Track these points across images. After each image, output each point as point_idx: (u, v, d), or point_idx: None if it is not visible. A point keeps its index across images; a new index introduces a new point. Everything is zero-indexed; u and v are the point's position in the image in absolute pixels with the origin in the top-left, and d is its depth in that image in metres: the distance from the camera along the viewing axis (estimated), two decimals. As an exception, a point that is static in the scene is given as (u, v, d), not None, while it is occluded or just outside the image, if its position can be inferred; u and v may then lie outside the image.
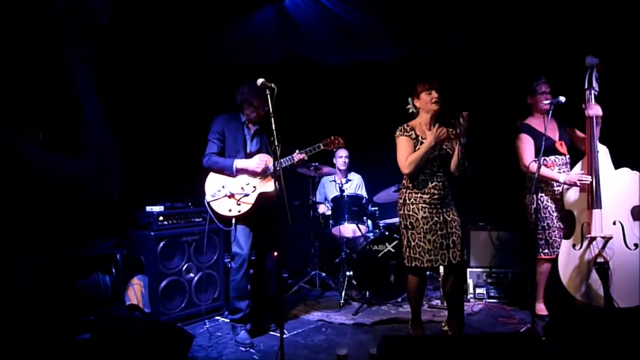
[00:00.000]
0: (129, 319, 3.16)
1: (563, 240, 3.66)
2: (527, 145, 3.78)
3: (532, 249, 3.81)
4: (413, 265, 3.33)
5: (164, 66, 4.49)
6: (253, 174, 3.64)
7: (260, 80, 2.97)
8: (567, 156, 3.81)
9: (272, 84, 2.96)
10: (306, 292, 5.08)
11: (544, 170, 3.69)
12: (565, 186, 3.64)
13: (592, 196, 3.50)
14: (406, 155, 3.29)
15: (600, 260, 3.42)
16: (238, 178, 3.64)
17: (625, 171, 3.54)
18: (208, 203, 3.60)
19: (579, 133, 3.83)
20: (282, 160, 3.55)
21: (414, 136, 3.34)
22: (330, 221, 4.83)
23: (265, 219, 3.70)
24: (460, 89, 3.44)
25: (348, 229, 4.80)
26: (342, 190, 4.79)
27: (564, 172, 3.73)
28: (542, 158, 3.73)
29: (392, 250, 4.54)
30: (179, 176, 4.43)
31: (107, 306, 3.44)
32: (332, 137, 3.84)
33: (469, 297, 4.53)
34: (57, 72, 3.14)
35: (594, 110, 3.55)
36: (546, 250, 3.79)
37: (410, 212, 3.34)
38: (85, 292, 3.36)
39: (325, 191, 5.52)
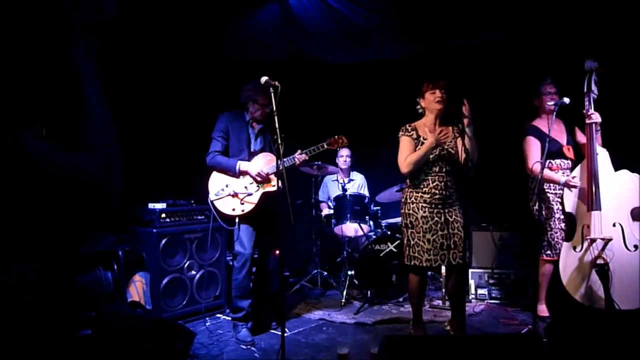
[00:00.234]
0: (131, 315, 3.16)
1: (564, 242, 3.65)
2: (533, 147, 3.78)
3: (534, 250, 3.81)
4: (412, 264, 3.35)
5: (168, 63, 4.50)
6: (254, 179, 3.64)
7: (264, 78, 2.96)
8: (573, 161, 3.82)
9: (276, 82, 2.95)
10: (308, 290, 5.08)
11: (547, 173, 3.70)
12: (566, 188, 3.64)
13: (591, 198, 3.50)
14: (406, 156, 3.31)
15: (600, 262, 3.41)
16: (241, 177, 3.65)
17: (624, 173, 3.54)
18: (211, 202, 3.60)
19: (581, 137, 3.82)
20: (284, 159, 3.55)
21: (415, 136, 3.35)
22: (333, 220, 4.84)
23: (268, 218, 3.70)
24: (466, 89, 3.43)
25: (350, 228, 4.80)
26: (344, 190, 4.79)
27: (566, 176, 3.72)
28: (548, 161, 3.75)
29: (394, 250, 4.53)
30: (182, 173, 4.44)
31: (109, 302, 3.44)
32: (336, 137, 3.83)
33: (470, 297, 4.53)
34: (62, 66, 3.14)
35: (592, 118, 3.56)
36: (549, 252, 3.79)
37: (411, 211, 3.35)
38: (87, 288, 3.37)
39: (328, 190, 5.52)
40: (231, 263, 3.99)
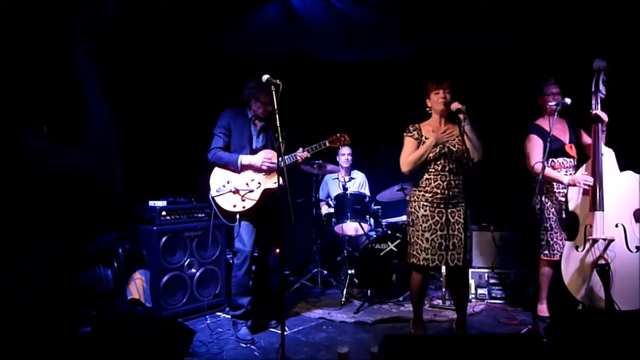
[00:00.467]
0: (131, 313, 3.16)
1: (566, 242, 3.65)
2: (535, 146, 3.77)
3: (534, 250, 3.80)
4: (411, 261, 3.36)
5: (168, 60, 4.50)
6: (258, 170, 3.64)
7: (265, 77, 2.96)
8: (576, 159, 3.81)
9: (277, 80, 2.95)
10: (308, 289, 5.08)
11: (549, 171, 3.70)
12: (570, 188, 3.63)
13: (594, 198, 3.50)
14: (406, 155, 3.33)
15: (601, 262, 3.41)
16: (243, 174, 3.64)
17: (628, 174, 3.53)
18: (213, 198, 3.60)
19: (585, 138, 3.81)
20: (286, 157, 3.54)
21: (416, 136, 3.36)
22: (333, 219, 4.83)
23: (268, 216, 3.70)
24: (467, 88, 3.43)
25: (350, 227, 4.79)
26: (345, 188, 4.78)
27: (570, 174, 3.72)
28: (551, 159, 3.75)
29: (394, 249, 4.53)
30: (183, 171, 4.43)
31: (109, 300, 3.44)
32: (338, 134, 3.82)
33: (470, 297, 4.53)
34: (62, 66, 3.13)
35: (599, 117, 3.54)
36: (546, 252, 3.78)
37: (412, 210, 3.36)
38: (87, 286, 3.36)
39: (329, 189, 5.52)
40: (231, 261, 3.99)
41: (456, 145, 3.30)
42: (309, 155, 3.72)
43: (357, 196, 4.76)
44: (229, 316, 3.89)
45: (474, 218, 4.71)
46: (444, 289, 4.43)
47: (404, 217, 5.06)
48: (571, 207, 3.65)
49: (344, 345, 3.11)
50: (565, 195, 3.68)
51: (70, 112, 3.21)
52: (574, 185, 3.58)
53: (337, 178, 5.38)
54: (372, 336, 3.68)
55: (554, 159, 3.78)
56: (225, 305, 4.23)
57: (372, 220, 4.98)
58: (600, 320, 2.57)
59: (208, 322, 3.93)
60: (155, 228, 3.80)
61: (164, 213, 3.88)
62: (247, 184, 3.63)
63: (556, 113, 3.45)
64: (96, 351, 2.76)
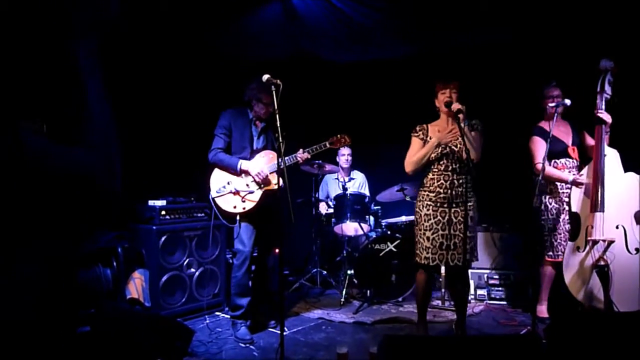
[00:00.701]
0: (130, 312, 3.16)
1: (568, 242, 3.65)
2: (538, 148, 3.78)
3: (535, 251, 3.80)
4: (415, 260, 3.38)
5: (168, 60, 4.49)
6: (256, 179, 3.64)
7: (265, 76, 2.96)
8: (578, 161, 3.81)
9: (278, 80, 2.95)
10: (307, 289, 5.08)
11: (553, 171, 3.71)
12: (573, 188, 3.63)
13: (595, 199, 3.50)
14: (410, 155, 3.37)
15: (601, 263, 3.41)
16: (243, 175, 3.64)
17: (631, 175, 3.53)
18: (213, 199, 3.60)
19: (589, 140, 3.80)
20: (286, 158, 3.54)
21: (421, 136, 3.40)
22: (333, 219, 4.83)
23: (268, 216, 3.70)
24: (469, 88, 3.43)
25: (350, 228, 4.79)
26: (345, 189, 4.78)
27: (574, 175, 3.72)
28: (554, 161, 3.76)
29: (394, 249, 4.53)
30: (182, 171, 4.43)
31: (108, 299, 3.43)
32: (339, 136, 3.81)
33: (470, 298, 4.53)
34: (63, 64, 3.13)
35: (602, 118, 3.53)
36: (550, 253, 3.79)
37: (417, 209, 3.40)
38: (86, 285, 3.36)
39: (328, 189, 5.52)
40: (231, 261, 3.99)
41: (458, 146, 3.30)
42: (309, 157, 3.71)
43: (356, 196, 4.76)
44: (228, 316, 3.89)
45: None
46: (443, 290, 4.43)
47: (403, 218, 5.06)
48: (574, 207, 3.65)
49: (343, 345, 3.11)
50: (569, 196, 3.69)
51: (70, 111, 3.21)
52: (576, 185, 3.59)
53: (337, 178, 5.38)
54: (371, 336, 3.68)
55: (556, 160, 3.79)
56: (224, 305, 4.23)
57: (371, 221, 4.98)
58: (599, 322, 2.57)
59: (207, 321, 3.93)
60: (154, 227, 3.80)
61: (163, 212, 3.87)
62: (247, 185, 3.62)
63: (556, 115, 3.44)
64: (95, 350, 2.75)
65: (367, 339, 3.64)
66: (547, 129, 3.78)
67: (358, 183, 5.44)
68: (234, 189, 3.61)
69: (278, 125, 2.90)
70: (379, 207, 5.18)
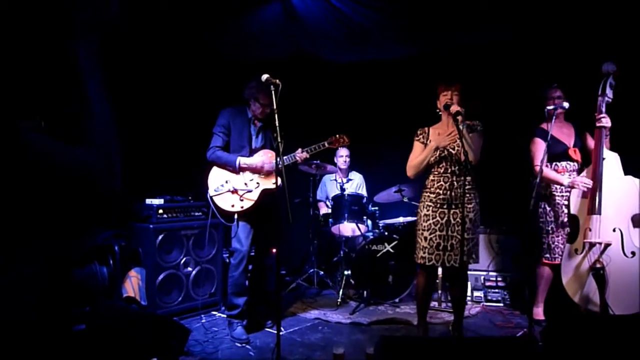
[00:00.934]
0: (126, 311, 3.15)
1: (566, 244, 3.66)
2: (538, 149, 3.78)
3: (532, 253, 3.81)
4: (415, 260, 3.39)
5: (168, 60, 4.49)
6: (256, 171, 3.63)
7: (264, 76, 2.96)
8: (580, 163, 3.81)
9: (277, 80, 2.95)
10: (304, 289, 5.08)
11: (550, 173, 3.72)
12: (572, 191, 3.64)
13: (592, 202, 3.50)
14: (411, 159, 3.41)
15: (597, 266, 3.42)
16: (242, 174, 3.64)
17: (628, 179, 3.53)
18: (211, 197, 3.60)
19: (590, 142, 3.80)
20: (285, 157, 3.54)
21: (422, 140, 3.42)
22: (330, 219, 4.83)
23: (266, 216, 3.70)
24: (469, 89, 3.43)
25: (347, 228, 4.79)
26: (342, 189, 4.78)
27: (573, 178, 3.72)
28: (554, 163, 3.76)
29: (391, 250, 4.53)
30: (180, 170, 4.43)
31: (104, 297, 3.43)
32: (337, 136, 3.82)
33: (467, 299, 4.52)
34: (63, 63, 3.13)
35: (602, 122, 3.53)
36: (547, 255, 3.79)
37: (418, 210, 3.42)
38: (82, 282, 3.35)
39: (326, 189, 5.52)
40: (228, 260, 3.98)
41: (456, 148, 3.31)
42: (308, 156, 3.72)
43: (354, 197, 4.76)
44: (225, 315, 3.89)
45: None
46: (439, 291, 4.43)
47: (401, 219, 5.06)
48: (573, 210, 3.66)
49: (340, 346, 3.10)
50: (568, 198, 3.70)
51: (71, 111, 3.21)
52: (573, 187, 3.60)
53: (335, 179, 5.38)
54: (367, 337, 3.68)
55: (557, 163, 3.79)
56: (220, 305, 4.22)
57: (369, 222, 4.98)
58: (595, 325, 2.57)
59: (203, 321, 3.93)
60: (151, 226, 3.79)
61: (160, 211, 3.87)
62: (245, 184, 3.62)
63: (554, 117, 3.44)
64: (91, 349, 2.75)
65: (363, 339, 3.64)
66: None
67: (356, 184, 5.44)
68: (232, 188, 3.60)
69: (277, 124, 2.90)
70: (376, 208, 5.18)
